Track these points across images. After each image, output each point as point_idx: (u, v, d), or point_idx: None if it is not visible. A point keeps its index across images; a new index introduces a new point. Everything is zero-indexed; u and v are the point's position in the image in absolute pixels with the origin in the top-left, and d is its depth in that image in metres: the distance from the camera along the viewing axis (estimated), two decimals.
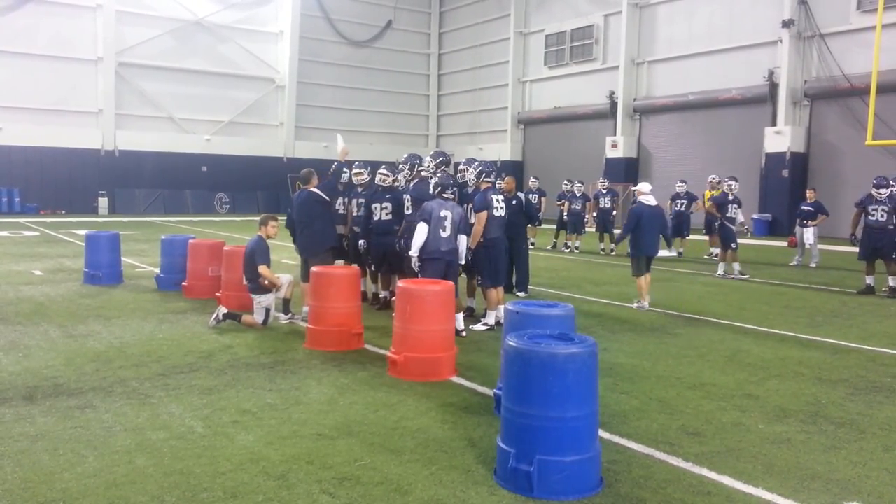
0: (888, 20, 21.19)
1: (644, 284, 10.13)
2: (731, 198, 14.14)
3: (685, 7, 29.29)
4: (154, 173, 33.93)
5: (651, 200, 10.17)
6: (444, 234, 7.74)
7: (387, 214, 9.16)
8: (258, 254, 8.34)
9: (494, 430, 4.73)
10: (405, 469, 4.29)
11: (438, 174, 8.38)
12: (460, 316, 8.04)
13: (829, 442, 4.90)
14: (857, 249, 12.26)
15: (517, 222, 10.26)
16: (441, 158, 9.01)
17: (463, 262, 8.11)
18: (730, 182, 14.44)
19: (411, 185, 9.14)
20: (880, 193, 11.80)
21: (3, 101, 30.50)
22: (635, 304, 10.25)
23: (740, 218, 14.28)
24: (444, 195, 7.91)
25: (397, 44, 41.32)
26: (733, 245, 13.82)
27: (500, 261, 8.74)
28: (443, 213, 7.75)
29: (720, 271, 13.97)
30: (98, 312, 9.09)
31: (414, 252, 7.71)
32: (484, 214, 8.29)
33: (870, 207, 11.91)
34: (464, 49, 40.91)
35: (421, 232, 7.67)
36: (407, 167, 9.35)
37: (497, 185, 9.40)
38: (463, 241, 7.99)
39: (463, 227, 7.97)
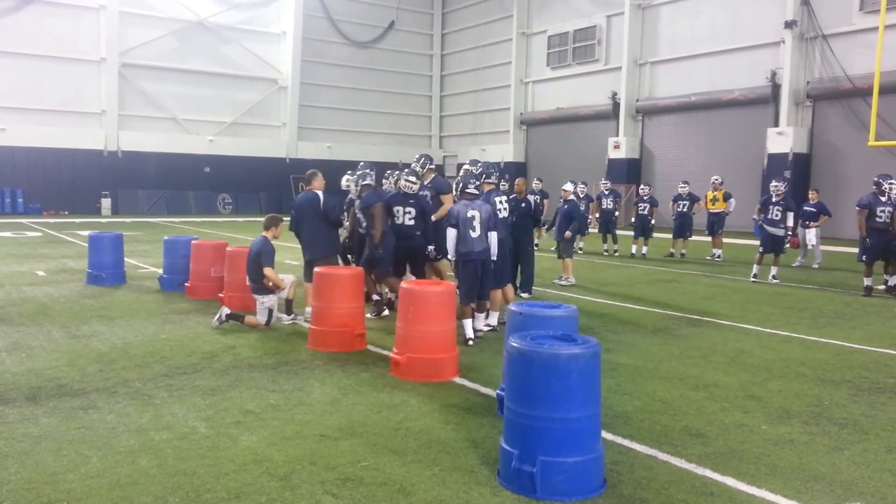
0: (891, 21, 21.16)
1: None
2: (773, 199, 13.26)
3: (688, 8, 29.27)
4: (157, 174, 33.99)
5: (568, 198, 13.25)
6: (475, 234, 7.76)
7: (410, 219, 8.90)
8: (264, 255, 8.34)
9: (497, 430, 4.73)
10: (408, 470, 4.29)
11: (461, 175, 8.29)
12: (468, 323, 7.82)
13: (833, 443, 4.90)
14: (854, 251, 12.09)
15: (524, 224, 10.28)
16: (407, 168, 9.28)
17: (494, 259, 8.03)
18: (776, 184, 13.49)
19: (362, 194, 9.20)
20: (892, 186, 11.59)
21: (7, 102, 30.56)
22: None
23: (789, 222, 13.20)
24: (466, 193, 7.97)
25: (400, 45, 41.33)
26: (760, 249, 13.31)
27: (504, 261, 8.74)
28: (470, 213, 7.79)
29: (751, 274, 13.47)
30: (101, 313, 9.11)
31: (452, 256, 7.81)
32: None
33: (878, 209, 11.70)
34: (466, 50, 40.92)
35: (451, 237, 7.73)
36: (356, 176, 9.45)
37: (500, 187, 9.44)
38: (493, 237, 7.93)
39: (492, 223, 7.94)
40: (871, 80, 19.07)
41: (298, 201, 8.93)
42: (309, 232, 8.72)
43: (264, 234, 8.55)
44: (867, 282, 11.92)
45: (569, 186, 13.46)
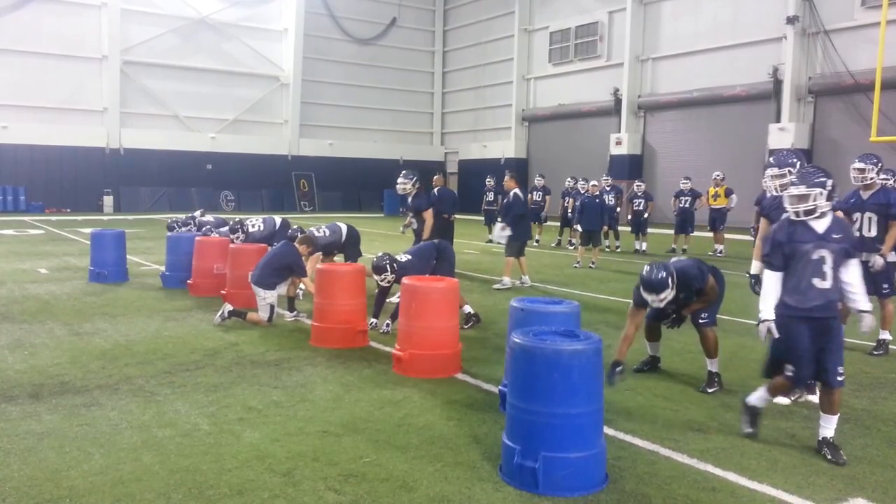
0: (892, 16, 21.07)
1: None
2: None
3: (689, 4, 29.20)
4: (159, 171, 33.96)
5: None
6: (824, 283, 4.61)
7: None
8: (297, 268, 8.45)
9: (499, 426, 4.74)
10: (411, 465, 4.30)
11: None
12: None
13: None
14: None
15: None
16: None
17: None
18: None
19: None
20: None
21: (8, 100, 30.55)
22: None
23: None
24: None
25: (402, 41, 41.25)
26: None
27: None
28: (809, 248, 4.61)
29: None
30: (104, 310, 9.12)
31: (768, 314, 4.65)
32: None
33: None
34: (468, 46, 40.83)
35: (772, 283, 4.73)
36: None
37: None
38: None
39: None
40: (873, 75, 19.02)
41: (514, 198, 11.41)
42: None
43: (301, 249, 8.66)
44: None
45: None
